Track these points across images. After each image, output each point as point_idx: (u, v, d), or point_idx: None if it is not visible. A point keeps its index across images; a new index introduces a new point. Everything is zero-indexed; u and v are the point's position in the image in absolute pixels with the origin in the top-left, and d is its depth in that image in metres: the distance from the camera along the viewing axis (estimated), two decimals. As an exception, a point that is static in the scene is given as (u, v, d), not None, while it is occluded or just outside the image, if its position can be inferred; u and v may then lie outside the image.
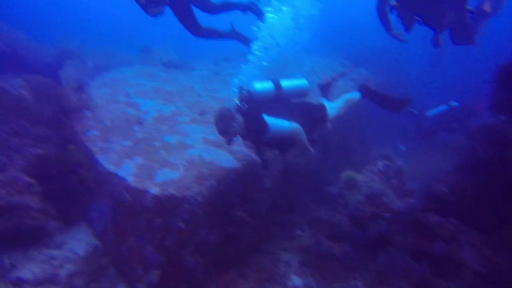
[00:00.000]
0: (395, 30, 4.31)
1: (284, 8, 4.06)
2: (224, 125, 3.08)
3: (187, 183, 3.55)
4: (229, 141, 3.23)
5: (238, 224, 4.02)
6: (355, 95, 3.98)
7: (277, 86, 3.44)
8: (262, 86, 3.40)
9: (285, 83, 3.52)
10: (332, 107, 3.72)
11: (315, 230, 4.60)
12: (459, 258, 3.61)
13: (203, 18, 4.52)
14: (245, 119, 3.14)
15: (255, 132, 3.17)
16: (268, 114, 3.16)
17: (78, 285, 3.90)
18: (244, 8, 4.51)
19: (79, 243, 4.39)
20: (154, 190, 3.42)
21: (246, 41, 4.66)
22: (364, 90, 4.00)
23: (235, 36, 4.69)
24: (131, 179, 3.60)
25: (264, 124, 3.04)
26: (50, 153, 4.92)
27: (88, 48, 9.29)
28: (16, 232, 4.08)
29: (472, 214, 4.02)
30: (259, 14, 4.46)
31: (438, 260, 3.73)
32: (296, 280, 3.93)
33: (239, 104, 3.23)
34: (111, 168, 3.83)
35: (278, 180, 4.66)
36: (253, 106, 3.21)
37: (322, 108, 3.63)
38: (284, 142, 3.38)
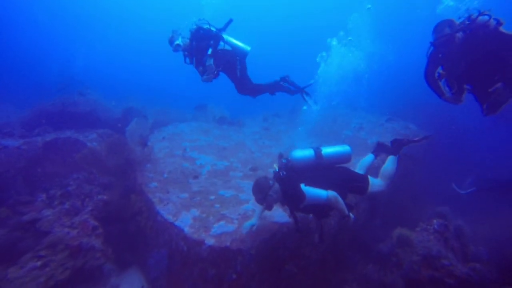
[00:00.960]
0: (448, 94, 4.21)
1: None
2: (262, 195, 3.16)
3: (241, 236, 3.69)
4: (269, 208, 3.30)
5: (288, 279, 3.99)
6: (392, 163, 3.90)
7: (318, 154, 3.47)
8: (302, 154, 3.45)
9: (327, 151, 3.54)
10: (376, 184, 3.69)
11: (366, 290, 4.38)
12: None
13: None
14: (282, 187, 3.21)
15: (291, 200, 3.22)
16: (308, 182, 3.21)
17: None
18: (275, 89, 4.90)
19: (131, 287, 4.65)
20: (210, 241, 3.60)
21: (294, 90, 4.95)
22: (396, 147, 4.00)
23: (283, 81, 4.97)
24: (188, 230, 3.84)
25: (300, 193, 3.10)
26: (113, 200, 5.46)
27: (149, 106, 10.41)
28: (82, 271, 4.45)
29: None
30: (296, 89, 4.85)
31: None
32: None
33: (277, 171, 3.32)
34: (170, 218, 4.13)
35: (328, 235, 4.61)
36: (291, 175, 3.26)
37: (364, 179, 3.63)
38: (319, 210, 3.38)
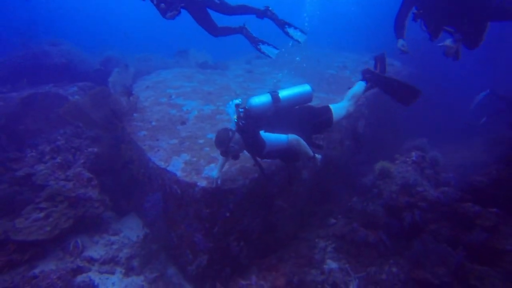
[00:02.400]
0: (402, 42, 4.27)
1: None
2: (224, 147, 3.17)
3: (232, 176, 3.89)
4: (235, 158, 3.35)
5: (278, 213, 4.32)
6: (360, 87, 3.81)
7: (275, 98, 3.37)
8: (259, 100, 3.35)
9: (284, 94, 3.44)
10: (339, 107, 3.65)
11: (350, 219, 4.79)
12: (502, 247, 3.65)
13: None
14: (243, 137, 3.18)
15: (253, 148, 3.23)
16: (268, 128, 3.19)
17: (135, 266, 4.46)
18: (260, 14, 4.67)
19: (132, 231, 5.02)
20: (203, 183, 3.79)
21: (255, 41, 4.84)
22: (368, 75, 3.86)
23: (245, 32, 4.84)
24: (180, 174, 4.00)
25: (260, 141, 3.07)
26: (104, 152, 5.54)
27: (128, 54, 9.98)
28: (83, 219, 4.71)
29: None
30: (276, 20, 4.63)
31: (477, 248, 3.79)
32: (332, 264, 4.18)
33: (236, 121, 3.26)
34: (162, 164, 4.26)
35: (314, 171, 4.89)
36: (250, 123, 3.21)
37: (327, 111, 3.56)
38: (284, 155, 3.35)
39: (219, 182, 3.65)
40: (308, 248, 4.49)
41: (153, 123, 5.26)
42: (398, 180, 4.55)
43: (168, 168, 4.17)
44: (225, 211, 3.86)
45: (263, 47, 4.84)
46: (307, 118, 3.46)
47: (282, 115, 3.39)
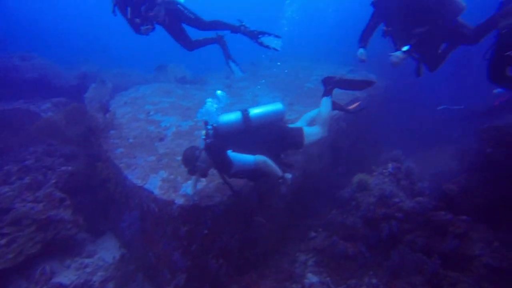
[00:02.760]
0: (362, 50, 4.41)
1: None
2: (190, 166, 3.13)
3: (210, 193, 3.86)
4: (204, 176, 3.31)
5: (257, 229, 4.30)
6: (326, 105, 3.76)
7: (245, 116, 3.31)
8: (228, 118, 3.30)
9: (255, 112, 3.38)
10: (312, 133, 3.59)
11: (330, 232, 4.83)
12: (471, 253, 3.81)
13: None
14: (210, 155, 3.12)
15: (220, 168, 3.18)
16: (237, 146, 3.13)
17: (111, 289, 4.29)
18: (234, 30, 4.70)
19: (107, 252, 4.84)
20: (180, 201, 3.74)
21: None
22: (328, 86, 3.84)
23: (222, 43, 4.90)
24: (157, 192, 3.94)
25: (227, 161, 3.02)
26: (79, 170, 5.38)
27: (105, 70, 9.85)
28: (54, 242, 4.50)
29: (483, 212, 4.19)
30: (250, 33, 4.64)
31: (450, 255, 3.92)
32: (312, 278, 4.18)
33: (204, 139, 3.22)
34: (139, 182, 4.18)
35: (294, 186, 4.92)
36: (217, 142, 3.17)
37: (298, 134, 3.50)
38: (251, 175, 3.29)
39: (195, 199, 3.61)
40: (289, 262, 4.48)
41: (131, 140, 5.18)
42: (376, 192, 4.63)
43: (145, 186, 4.09)
44: (203, 228, 3.81)
45: (232, 64, 4.89)
46: (277, 138, 3.41)
47: (252, 133, 3.35)
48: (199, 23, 4.67)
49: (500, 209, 4.09)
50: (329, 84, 3.86)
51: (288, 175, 3.24)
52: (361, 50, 4.45)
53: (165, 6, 4.41)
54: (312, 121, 3.87)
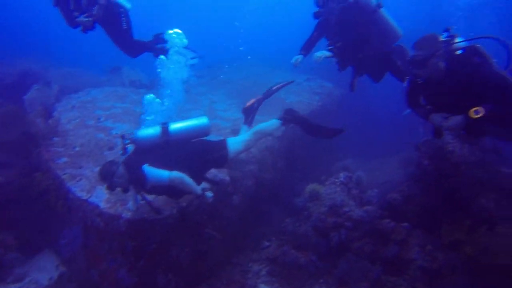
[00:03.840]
0: (298, 57, 4.46)
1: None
2: (107, 181, 3.04)
3: (159, 206, 3.74)
4: (124, 192, 3.20)
5: (207, 241, 4.25)
6: (272, 125, 3.60)
7: (164, 131, 3.22)
8: (145, 132, 3.21)
9: (176, 126, 3.30)
10: (237, 142, 3.46)
11: (282, 241, 4.91)
12: (409, 257, 4.14)
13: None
14: (127, 171, 3.05)
15: (135, 183, 3.09)
16: (155, 161, 3.04)
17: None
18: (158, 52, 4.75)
19: (42, 273, 4.37)
20: (128, 215, 3.59)
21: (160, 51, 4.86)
22: (289, 117, 3.65)
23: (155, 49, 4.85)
24: (103, 205, 3.75)
25: (141, 176, 2.95)
26: (12, 181, 4.87)
27: (53, 68, 9.15)
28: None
29: (420, 218, 4.52)
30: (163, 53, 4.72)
31: (391, 261, 4.20)
32: (264, 289, 4.21)
33: (121, 154, 3.17)
34: (83, 195, 3.95)
35: (246, 195, 4.93)
36: (134, 157, 3.11)
37: (222, 147, 3.36)
38: (168, 191, 3.22)
39: (144, 213, 3.50)
40: (241, 273, 4.47)
41: (77, 149, 4.88)
42: (327, 202, 4.79)
43: (90, 200, 3.87)
44: (151, 243, 3.69)
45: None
46: (199, 154, 3.30)
47: (172, 148, 3.25)
48: (126, 38, 4.59)
49: (432, 215, 4.45)
50: (289, 117, 3.65)
51: (209, 194, 3.17)
52: (298, 57, 4.46)
53: (109, 6, 4.29)
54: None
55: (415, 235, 4.30)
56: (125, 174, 3.06)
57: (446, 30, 3.15)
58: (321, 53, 4.14)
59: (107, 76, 9.30)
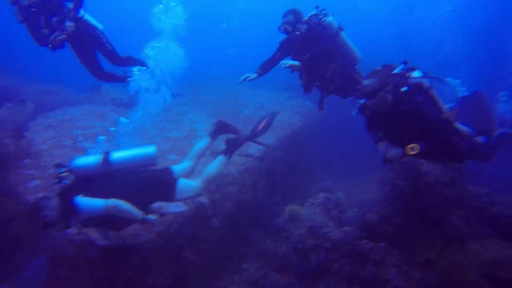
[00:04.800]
0: (249, 74, 4.54)
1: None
2: (39, 219, 2.82)
3: (135, 231, 3.65)
4: (66, 227, 2.96)
5: (187, 265, 4.16)
6: (220, 164, 3.49)
7: (105, 160, 3.05)
8: (84, 162, 3.04)
9: (118, 156, 3.13)
10: (187, 187, 3.27)
11: (262, 263, 4.87)
12: (386, 277, 4.21)
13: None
14: (60, 203, 2.85)
15: (68, 217, 2.86)
16: (92, 191, 2.87)
17: None
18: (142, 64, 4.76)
19: None
20: (102, 241, 3.47)
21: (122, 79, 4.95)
22: (231, 147, 3.59)
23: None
24: (75, 232, 3.61)
25: (71, 208, 2.77)
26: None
27: (28, 85, 8.91)
28: None
29: (397, 237, 4.61)
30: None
31: (370, 281, 4.26)
32: (243, 314, 4.13)
33: (54, 184, 2.98)
34: (54, 220, 3.79)
35: (226, 217, 4.89)
36: (69, 188, 2.93)
37: (170, 187, 3.17)
38: (107, 222, 2.98)
39: (119, 239, 3.40)
40: (221, 297, 4.39)
41: (51, 171, 4.72)
42: (306, 223, 4.82)
43: (61, 225, 3.72)
44: (126, 270, 3.57)
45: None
46: (143, 188, 3.12)
47: (115, 178, 3.08)
48: (113, 56, 4.61)
49: (408, 234, 4.55)
50: (231, 147, 3.58)
51: (153, 217, 2.99)
52: (250, 74, 4.49)
53: (80, 25, 4.26)
54: (198, 156, 3.60)
55: (392, 255, 4.37)
56: (58, 207, 2.83)
57: (403, 63, 3.32)
58: (290, 61, 4.21)
59: (87, 94, 9.13)
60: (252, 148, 6.07)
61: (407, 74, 3.28)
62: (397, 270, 4.21)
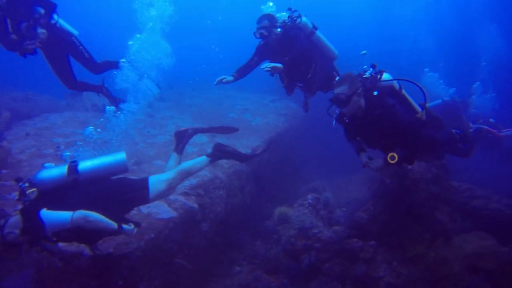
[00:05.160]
0: (224, 76, 4.40)
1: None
2: None
3: (125, 240, 3.57)
4: (32, 246, 2.81)
5: (178, 271, 4.10)
6: (199, 162, 3.45)
7: (71, 170, 2.89)
8: (48, 174, 2.88)
9: (86, 165, 2.98)
10: (159, 181, 3.18)
11: (254, 265, 4.87)
12: (377, 274, 4.30)
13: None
14: (22, 220, 2.64)
15: (32, 233, 2.65)
16: (59, 203, 2.73)
17: None
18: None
19: None
20: (90, 251, 3.37)
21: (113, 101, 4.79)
22: (218, 153, 3.54)
23: (104, 91, 4.74)
24: (62, 243, 3.48)
25: (35, 223, 2.59)
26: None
27: (4, 92, 8.61)
28: None
29: (386, 234, 4.71)
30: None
31: (361, 279, 4.32)
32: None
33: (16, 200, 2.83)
34: (39, 231, 3.66)
35: (216, 221, 4.86)
36: (32, 202, 2.75)
37: (142, 187, 3.09)
38: (77, 235, 2.82)
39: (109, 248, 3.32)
40: (214, 303, 4.34)
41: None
42: (296, 224, 4.84)
43: (46, 236, 3.59)
44: (117, 279, 3.47)
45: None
46: (115, 194, 3.00)
47: (84, 189, 2.93)
48: (91, 64, 4.38)
49: (396, 231, 4.66)
50: (218, 153, 3.54)
51: (127, 227, 2.86)
52: (226, 76, 4.40)
53: (53, 32, 4.03)
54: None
55: (382, 252, 4.46)
56: (20, 224, 2.62)
57: (372, 66, 3.37)
58: (272, 64, 4.15)
59: (67, 100, 8.88)
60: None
61: (377, 77, 3.33)
62: (387, 267, 4.30)
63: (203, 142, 6.15)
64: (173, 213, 4.09)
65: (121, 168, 3.15)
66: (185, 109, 8.43)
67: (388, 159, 3.10)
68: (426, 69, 8.68)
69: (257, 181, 6.26)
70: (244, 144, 6.50)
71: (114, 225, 2.76)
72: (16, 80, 11.23)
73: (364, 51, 3.66)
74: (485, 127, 6.22)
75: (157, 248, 3.78)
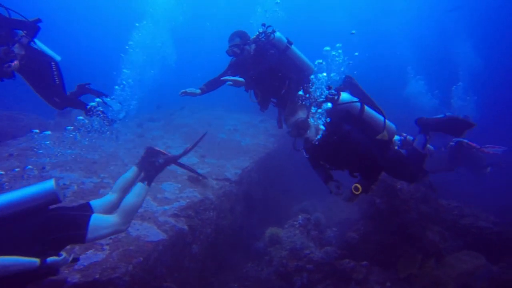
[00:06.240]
0: (192, 89, 4.28)
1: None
2: None
3: (113, 263, 3.46)
4: None
5: (168, 296, 3.96)
6: (140, 192, 3.03)
7: None
8: None
9: (3, 198, 2.55)
10: (104, 225, 2.75)
11: (245, 287, 4.75)
12: None
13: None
14: None
15: None
16: None
17: None
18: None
19: None
20: (75, 278, 3.24)
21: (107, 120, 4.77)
22: (150, 173, 3.20)
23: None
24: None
25: None
26: None
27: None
28: None
29: (378, 254, 4.70)
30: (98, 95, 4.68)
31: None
32: None
33: None
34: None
35: (206, 243, 4.77)
36: None
37: (80, 225, 2.66)
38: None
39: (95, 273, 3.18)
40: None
41: None
42: (287, 245, 4.80)
43: (29, 261, 3.45)
44: (103, 307, 3.34)
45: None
46: (46, 231, 2.56)
47: (10, 224, 2.53)
48: (57, 92, 4.22)
49: (388, 251, 4.66)
50: (150, 173, 3.22)
51: (57, 257, 2.42)
52: (195, 89, 4.28)
53: (31, 53, 3.93)
54: (125, 189, 3.19)
55: (374, 273, 4.43)
56: None
57: (328, 88, 3.28)
58: (233, 77, 4.04)
59: (55, 119, 8.76)
60: (229, 172, 6.05)
61: (334, 98, 3.21)
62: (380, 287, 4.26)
63: (194, 163, 6.12)
64: (163, 236, 4.00)
65: (50, 197, 2.68)
66: (175, 129, 8.42)
67: (353, 191, 3.07)
68: (419, 76, 9.14)
69: (248, 202, 6.21)
70: (234, 164, 6.49)
71: (35, 263, 2.29)
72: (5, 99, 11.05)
73: (353, 31, 3.48)
74: (466, 141, 5.98)
75: (146, 272, 3.66)
